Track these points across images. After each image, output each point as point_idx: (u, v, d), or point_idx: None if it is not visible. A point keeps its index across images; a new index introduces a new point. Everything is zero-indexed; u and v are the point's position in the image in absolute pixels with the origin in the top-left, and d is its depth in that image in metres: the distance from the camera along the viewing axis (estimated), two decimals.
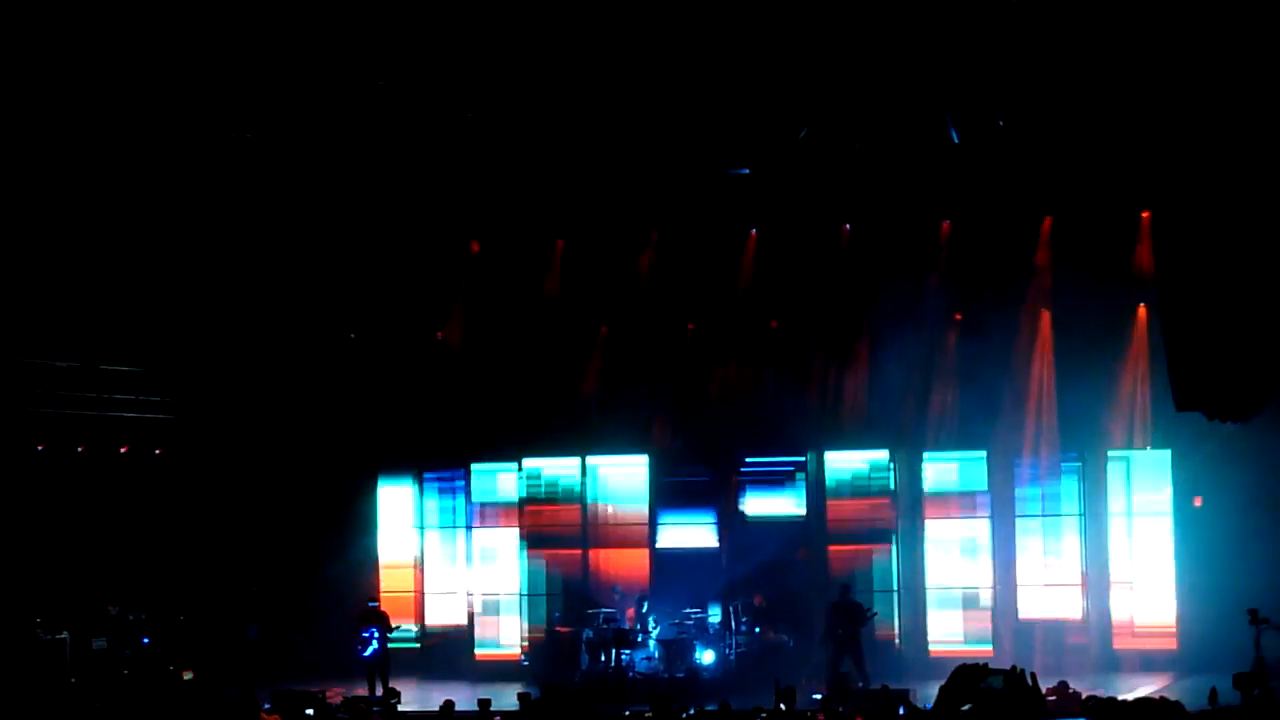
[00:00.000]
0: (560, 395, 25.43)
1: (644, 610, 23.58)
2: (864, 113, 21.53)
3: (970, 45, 19.92)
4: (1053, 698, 17.84)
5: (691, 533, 25.28)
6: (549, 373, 25.38)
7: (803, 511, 24.94)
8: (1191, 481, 23.92)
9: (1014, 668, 10.78)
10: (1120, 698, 16.76)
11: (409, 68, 20.34)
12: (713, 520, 25.19)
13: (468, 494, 26.01)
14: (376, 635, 22.72)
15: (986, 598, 24.37)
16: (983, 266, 24.09)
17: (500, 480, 25.93)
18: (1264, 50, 19.45)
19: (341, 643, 23.42)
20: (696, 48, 19.74)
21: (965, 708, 8.90)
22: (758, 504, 25.20)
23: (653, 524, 25.27)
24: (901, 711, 16.83)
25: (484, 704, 18.12)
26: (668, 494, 25.33)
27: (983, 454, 24.59)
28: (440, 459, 26.10)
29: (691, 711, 17.41)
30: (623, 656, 23.02)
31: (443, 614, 26.04)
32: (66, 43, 19.29)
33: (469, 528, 26.03)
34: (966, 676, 8.77)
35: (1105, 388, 24.11)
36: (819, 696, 20.11)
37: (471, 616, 25.79)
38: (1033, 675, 10.85)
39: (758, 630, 23.87)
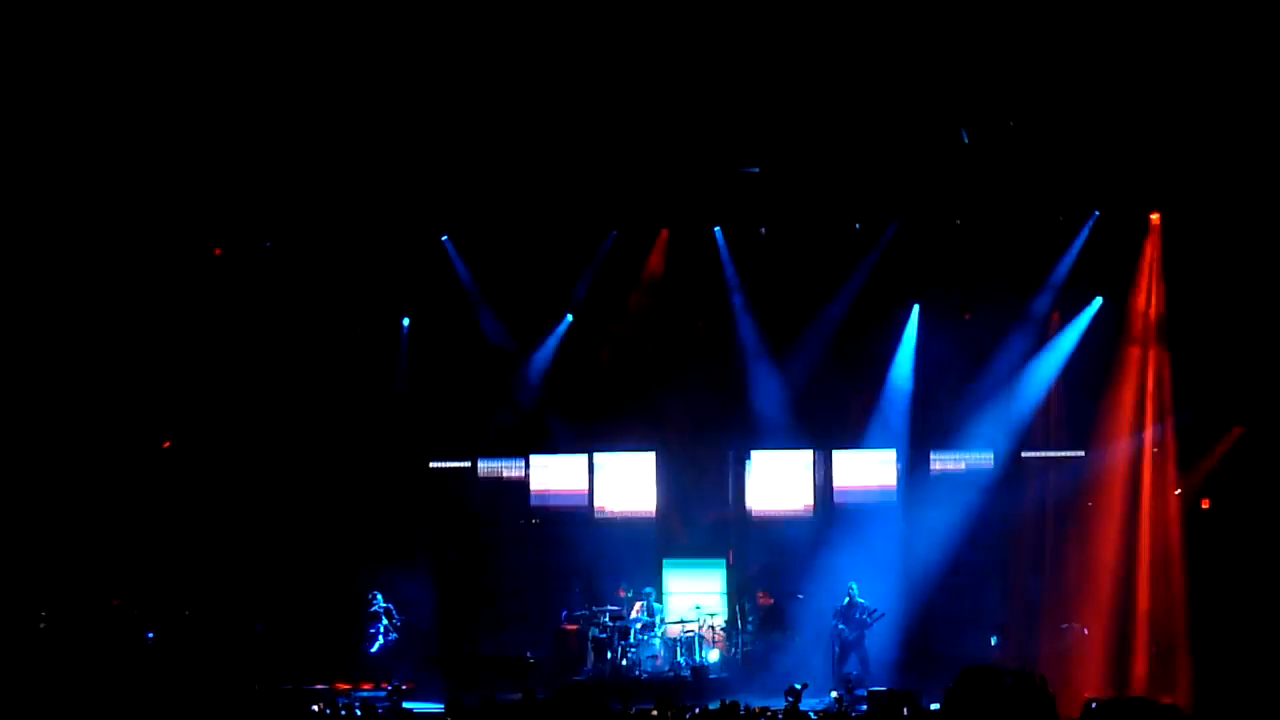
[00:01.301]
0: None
1: (648, 605, 23.55)
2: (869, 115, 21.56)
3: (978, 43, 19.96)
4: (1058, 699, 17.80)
5: None
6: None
7: None
8: None
9: (1023, 669, 10.78)
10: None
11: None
12: None
13: None
14: (382, 630, 22.73)
15: None
16: None
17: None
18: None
19: (348, 638, 23.44)
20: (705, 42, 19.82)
21: (974, 709, 8.89)
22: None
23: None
24: (906, 712, 16.81)
25: (487, 700, 18.12)
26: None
27: None
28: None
29: (697, 710, 17.37)
30: (629, 654, 23.00)
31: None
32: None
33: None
34: (975, 678, 8.77)
35: None
36: (835, 695, 20.16)
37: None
38: (1041, 676, 10.84)
39: (764, 629, 23.87)
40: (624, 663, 22.92)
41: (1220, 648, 21.95)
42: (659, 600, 23.81)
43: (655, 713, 17.02)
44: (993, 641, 23.55)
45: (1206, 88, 20.43)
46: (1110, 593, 24.11)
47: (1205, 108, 20.78)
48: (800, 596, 24.11)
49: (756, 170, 23.24)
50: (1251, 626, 21.83)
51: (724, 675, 22.85)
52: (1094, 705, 11.86)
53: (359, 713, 17.89)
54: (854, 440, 25.12)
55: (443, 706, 18.05)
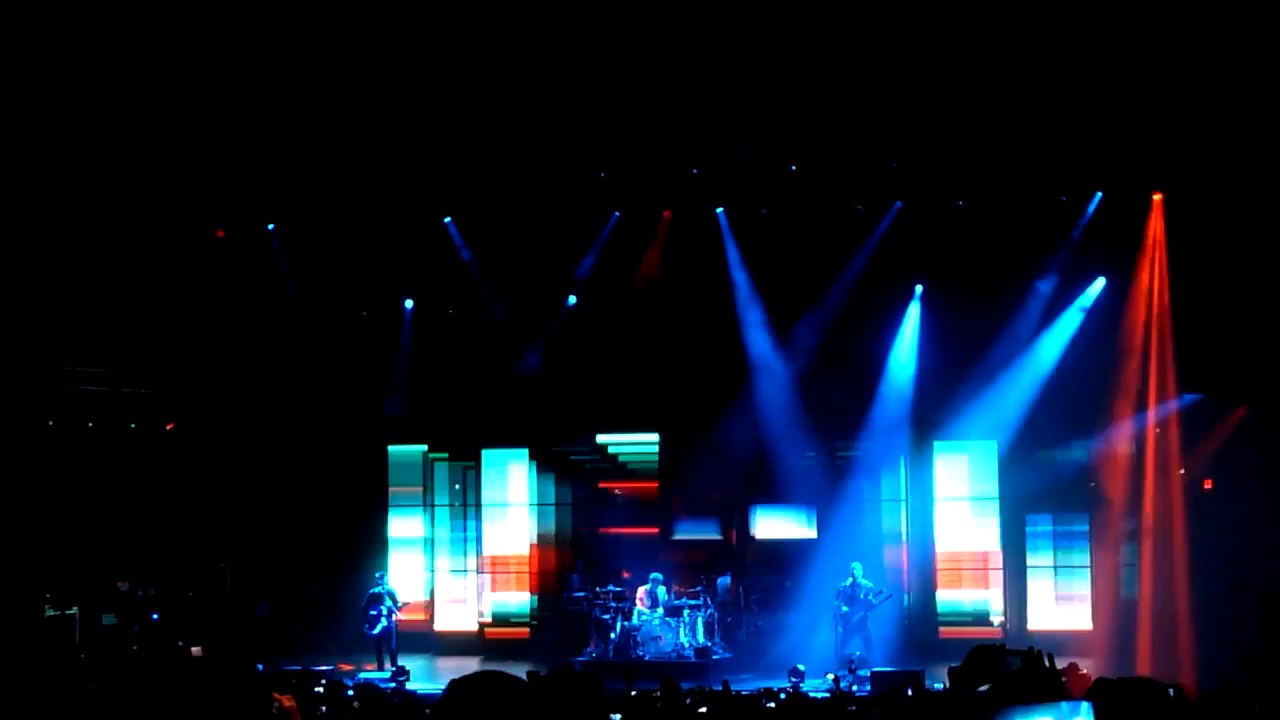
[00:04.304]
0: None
1: (654, 589, 23.52)
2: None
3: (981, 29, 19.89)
4: (1064, 679, 17.76)
5: None
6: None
7: None
8: None
9: (1031, 649, 10.77)
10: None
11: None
12: None
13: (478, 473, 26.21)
14: (384, 612, 22.78)
15: None
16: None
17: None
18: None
19: (351, 619, 23.48)
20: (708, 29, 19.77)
21: (981, 689, 8.88)
22: None
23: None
24: (910, 693, 16.79)
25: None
26: None
27: None
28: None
29: (700, 691, 17.34)
30: (632, 636, 22.99)
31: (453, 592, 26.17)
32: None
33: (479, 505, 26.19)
34: (983, 657, 8.78)
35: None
36: (832, 676, 20.16)
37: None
38: (1049, 656, 10.84)
39: (768, 610, 23.89)
40: (627, 643, 22.91)
41: (1223, 629, 21.95)
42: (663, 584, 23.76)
43: (659, 694, 16.98)
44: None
45: (1209, 66, 20.38)
46: (1113, 573, 24.15)
47: (1208, 86, 20.72)
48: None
49: (756, 151, 23.22)
50: (1254, 607, 21.83)
51: (727, 656, 22.86)
52: (1100, 686, 11.80)
53: (360, 694, 17.88)
54: (856, 425, 25.07)
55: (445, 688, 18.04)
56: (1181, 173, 22.51)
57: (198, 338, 25.17)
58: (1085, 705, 8.83)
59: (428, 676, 21.92)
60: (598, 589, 23.77)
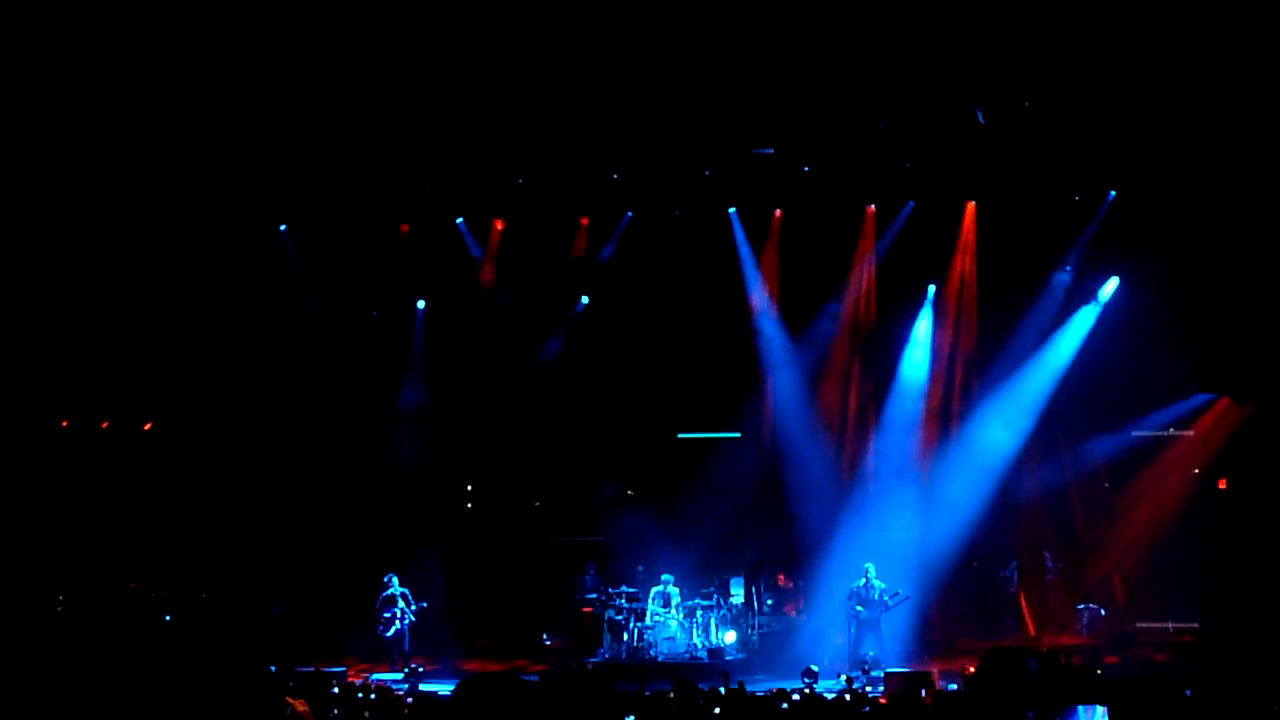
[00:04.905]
0: None
1: (665, 590, 23.51)
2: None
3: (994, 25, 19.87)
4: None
5: None
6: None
7: None
8: None
9: (1048, 650, 10.74)
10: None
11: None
12: None
13: None
14: (398, 614, 22.79)
15: None
16: None
17: None
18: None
19: (364, 621, 23.49)
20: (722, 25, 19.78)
21: (999, 690, 8.87)
22: None
23: None
24: (923, 694, 16.77)
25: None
26: None
27: None
28: None
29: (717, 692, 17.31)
30: (645, 636, 22.98)
31: None
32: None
33: None
34: (1000, 659, 8.73)
35: None
36: (845, 677, 20.14)
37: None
38: (1067, 657, 10.82)
39: (781, 610, 23.88)
40: (640, 644, 22.91)
41: (1235, 625, 21.89)
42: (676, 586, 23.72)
43: (672, 694, 16.96)
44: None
45: (1223, 68, 20.34)
46: (1127, 572, 24.13)
47: (1219, 85, 20.68)
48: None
49: (771, 151, 23.18)
50: (1267, 604, 21.78)
51: (740, 656, 22.82)
52: (1116, 686, 11.79)
53: (375, 695, 17.87)
54: (870, 423, 25.05)
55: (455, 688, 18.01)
56: (1195, 172, 22.45)
57: (207, 343, 25.13)
58: (1100, 710, 8.82)
59: (440, 677, 21.90)
60: (610, 590, 23.74)
